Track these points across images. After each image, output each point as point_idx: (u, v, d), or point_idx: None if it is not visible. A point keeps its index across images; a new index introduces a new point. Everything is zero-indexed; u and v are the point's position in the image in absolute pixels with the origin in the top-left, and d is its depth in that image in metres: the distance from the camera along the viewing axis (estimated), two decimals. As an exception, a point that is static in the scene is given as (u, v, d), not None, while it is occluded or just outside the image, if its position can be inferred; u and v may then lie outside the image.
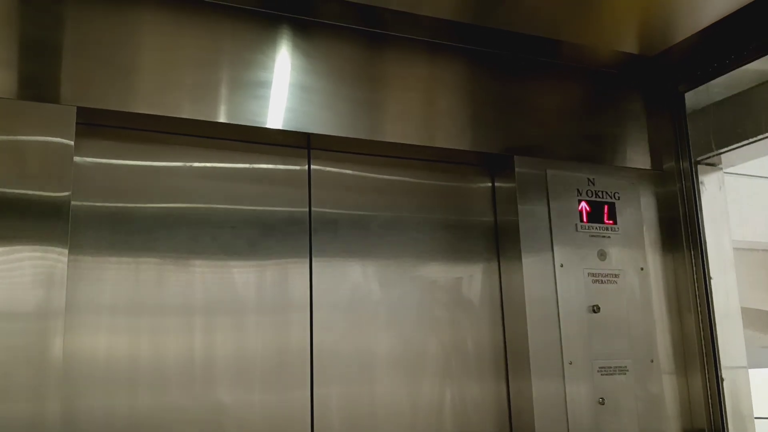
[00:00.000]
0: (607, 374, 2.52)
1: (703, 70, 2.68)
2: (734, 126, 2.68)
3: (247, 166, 2.30)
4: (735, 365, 2.65)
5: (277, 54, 2.28)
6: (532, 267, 2.49)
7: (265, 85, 2.22)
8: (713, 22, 2.52)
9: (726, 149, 2.70)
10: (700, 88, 2.75)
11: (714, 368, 2.60)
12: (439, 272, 2.51)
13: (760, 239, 6.92)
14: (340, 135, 2.29)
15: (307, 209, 2.35)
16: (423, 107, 2.46)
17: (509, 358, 2.52)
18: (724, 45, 2.59)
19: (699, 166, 2.80)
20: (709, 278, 2.65)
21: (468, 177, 2.64)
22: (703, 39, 2.59)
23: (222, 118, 2.14)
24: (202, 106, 2.12)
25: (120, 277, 2.06)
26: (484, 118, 2.56)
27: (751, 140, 2.62)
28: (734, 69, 2.59)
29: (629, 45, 2.71)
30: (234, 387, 2.13)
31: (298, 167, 2.37)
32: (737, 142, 2.66)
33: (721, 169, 2.85)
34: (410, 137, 2.40)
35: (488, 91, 2.60)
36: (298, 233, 2.31)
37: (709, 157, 2.77)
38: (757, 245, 7.11)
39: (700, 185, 2.78)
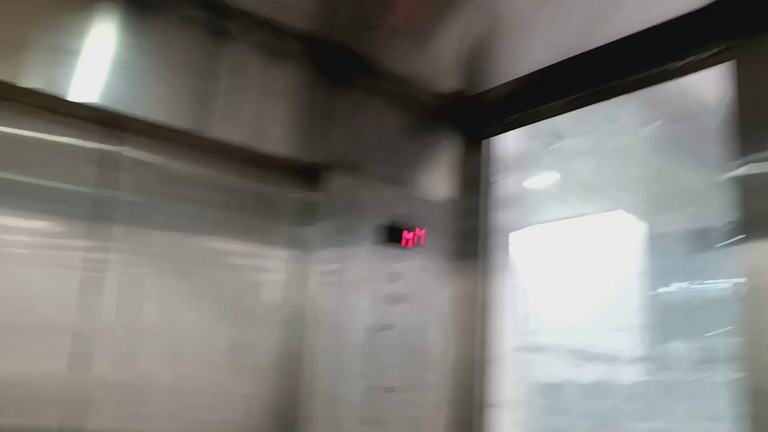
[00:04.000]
0: (383, 393, 2.61)
1: (509, 118, 2.91)
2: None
3: (46, 137, 2.14)
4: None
5: (102, 25, 2.13)
6: (322, 282, 2.54)
7: (79, 54, 2.07)
8: (520, 75, 2.76)
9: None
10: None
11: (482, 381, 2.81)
12: (235, 276, 2.50)
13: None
14: (158, 121, 2.21)
15: (109, 191, 2.24)
16: (249, 108, 2.44)
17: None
18: (529, 100, 2.82)
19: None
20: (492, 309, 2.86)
21: (278, 183, 2.63)
22: (512, 88, 2.83)
23: (22, 82, 1.98)
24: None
25: None
26: (306, 128, 2.59)
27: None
28: (534, 122, 2.84)
29: (450, 84, 2.89)
30: None
31: (106, 147, 2.24)
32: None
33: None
34: (232, 135, 2.37)
35: (316, 103, 2.63)
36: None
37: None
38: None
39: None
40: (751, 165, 2.07)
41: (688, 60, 2.29)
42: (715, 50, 2.22)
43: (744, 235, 2.05)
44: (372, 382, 2.59)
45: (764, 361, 1.96)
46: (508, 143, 3.08)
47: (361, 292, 2.62)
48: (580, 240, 7.30)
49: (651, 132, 5.29)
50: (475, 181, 3.01)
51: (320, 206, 2.60)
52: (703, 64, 2.27)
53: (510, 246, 3.04)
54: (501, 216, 3.01)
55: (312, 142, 2.61)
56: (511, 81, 2.83)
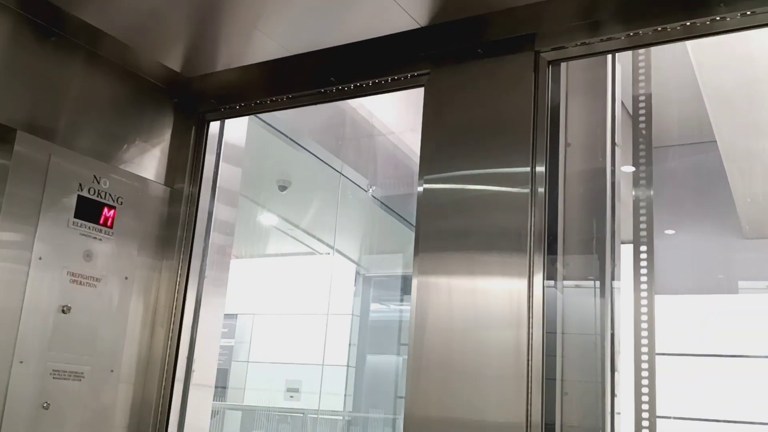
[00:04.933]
0: (60, 378, 2.41)
1: (231, 106, 2.84)
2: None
3: None
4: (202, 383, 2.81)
5: None
6: (6, 253, 2.30)
7: None
8: (248, 64, 2.73)
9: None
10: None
11: (171, 383, 2.70)
12: None
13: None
14: None
15: None
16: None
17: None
18: (253, 90, 2.79)
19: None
20: (185, 299, 2.76)
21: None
22: (238, 75, 2.77)
23: None
24: None
25: None
26: (2, 83, 2.34)
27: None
28: (252, 114, 2.84)
29: (172, 61, 2.76)
30: None
31: None
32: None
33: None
34: None
35: (18, 58, 2.39)
36: None
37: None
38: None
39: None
40: (425, 186, 2.18)
41: (391, 77, 2.40)
42: (413, 74, 2.34)
43: (417, 256, 2.14)
44: (51, 368, 2.38)
45: (420, 389, 2.06)
46: (234, 174, 3.03)
47: (47, 269, 2.39)
48: (300, 277, 7.60)
49: (374, 191, 5.72)
50: (194, 173, 2.87)
51: (10, 173, 2.31)
52: (400, 84, 2.39)
53: (228, 265, 2.97)
54: (223, 238, 2.94)
55: (6, 99, 2.35)
56: (237, 68, 2.77)
